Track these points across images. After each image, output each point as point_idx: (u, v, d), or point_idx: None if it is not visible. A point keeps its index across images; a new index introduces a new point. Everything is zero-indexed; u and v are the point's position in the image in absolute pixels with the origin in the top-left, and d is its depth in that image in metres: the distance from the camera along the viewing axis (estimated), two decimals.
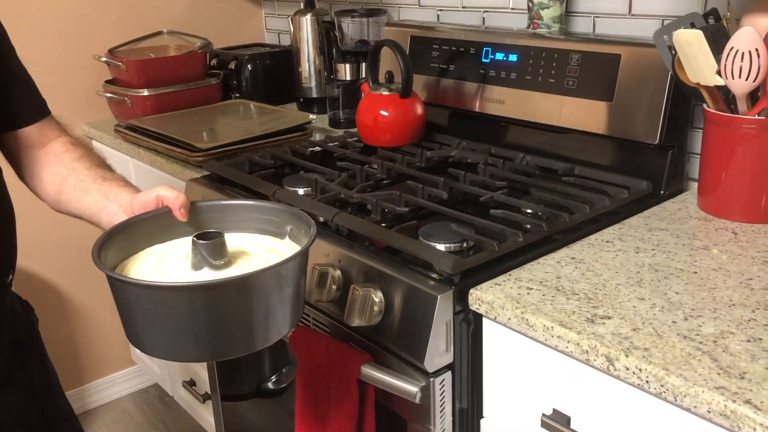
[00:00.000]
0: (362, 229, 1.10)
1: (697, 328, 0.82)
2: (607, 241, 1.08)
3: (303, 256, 0.79)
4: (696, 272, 0.96)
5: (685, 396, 0.72)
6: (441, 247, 1.03)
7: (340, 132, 1.73)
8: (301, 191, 1.28)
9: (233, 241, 0.87)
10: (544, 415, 0.90)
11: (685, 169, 1.29)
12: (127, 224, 0.88)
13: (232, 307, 0.73)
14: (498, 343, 0.96)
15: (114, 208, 0.92)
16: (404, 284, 0.97)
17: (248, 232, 0.92)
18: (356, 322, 1.00)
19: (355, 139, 1.60)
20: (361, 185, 1.28)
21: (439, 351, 0.96)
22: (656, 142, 1.20)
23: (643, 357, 0.77)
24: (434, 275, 0.98)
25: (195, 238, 0.80)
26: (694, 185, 1.27)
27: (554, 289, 0.93)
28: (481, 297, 0.94)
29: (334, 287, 1.06)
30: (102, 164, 1.02)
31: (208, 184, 1.42)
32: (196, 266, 0.81)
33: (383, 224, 1.12)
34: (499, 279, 0.97)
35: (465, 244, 1.04)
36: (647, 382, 0.76)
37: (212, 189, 1.38)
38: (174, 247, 0.89)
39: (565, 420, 0.89)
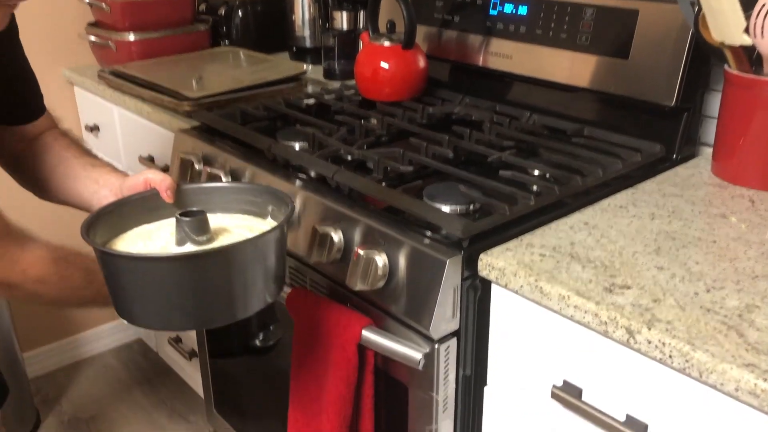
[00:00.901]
0: (365, 188, 1.04)
1: (720, 300, 0.78)
2: (621, 207, 1.03)
3: (280, 229, 0.83)
4: (715, 241, 0.92)
5: (711, 372, 0.69)
6: (447, 209, 0.98)
7: (335, 84, 1.65)
8: (297, 146, 1.22)
9: (216, 220, 0.91)
10: (554, 386, 0.86)
11: (698, 134, 1.24)
12: (116, 205, 0.91)
13: (213, 277, 0.78)
14: (507, 311, 0.92)
15: (105, 192, 0.97)
16: (410, 248, 0.93)
17: (232, 212, 0.96)
18: (359, 286, 0.96)
19: (352, 92, 1.53)
20: (360, 141, 1.22)
21: (445, 317, 0.92)
22: (672, 104, 1.15)
23: (667, 330, 0.73)
24: (442, 239, 0.93)
25: (179, 216, 0.85)
26: (707, 150, 1.22)
27: (568, 256, 0.89)
28: (491, 263, 0.89)
29: (335, 249, 1.01)
30: (89, 152, 1.05)
31: (198, 135, 1.35)
32: (180, 242, 0.85)
33: (385, 183, 1.07)
34: (510, 244, 0.92)
35: (472, 207, 0.99)
36: (670, 356, 0.72)
37: (203, 141, 1.31)
38: (161, 227, 0.93)
39: (577, 392, 0.85)
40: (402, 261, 0.93)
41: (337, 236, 1.01)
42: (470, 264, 0.91)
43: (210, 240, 0.86)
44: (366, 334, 0.98)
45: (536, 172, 1.10)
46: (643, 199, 1.05)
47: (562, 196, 1.02)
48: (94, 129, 1.93)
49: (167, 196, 0.92)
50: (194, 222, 0.84)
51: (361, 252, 0.95)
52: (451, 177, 1.07)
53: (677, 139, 1.19)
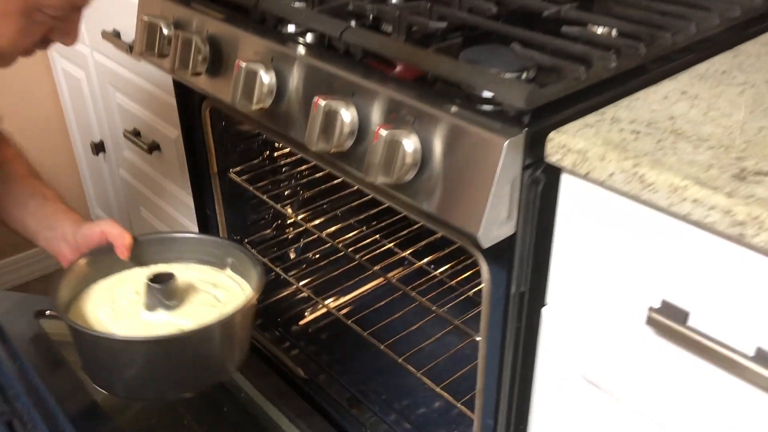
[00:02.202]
0: (384, 48, 0.78)
1: None
2: (724, 72, 0.78)
3: (253, 306, 0.88)
4: None
5: None
6: (500, 72, 0.72)
7: None
8: (297, 2, 0.95)
9: (177, 273, 0.90)
10: (651, 309, 0.64)
11: None
12: (76, 264, 0.92)
13: (192, 352, 0.84)
14: (583, 209, 0.68)
15: (60, 244, 0.95)
16: (450, 126, 0.68)
17: (189, 262, 0.98)
18: (380, 179, 0.71)
19: None
20: None
21: (498, 220, 0.68)
22: None
23: None
24: (495, 113, 0.68)
25: (150, 282, 0.87)
26: None
27: (671, 134, 0.65)
28: (566, 143, 0.65)
29: (345, 131, 0.76)
30: (34, 172, 1.00)
31: None
32: (150, 307, 0.88)
33: (411, 44, 0.81)
34: (589, 119, 0.68)
35: (526, 74, 0.74)
36: None
37: (174, 1, 1.03)
38: (120, 282, 0.94)
39: (682, 316, 0.63)
40: (438, 144, 0.69)
41: (348, 114, 0.76)
42: (534, 146, 0.67)
43: (179, 303, 0.89)
44: None
45: (602, 30, 0.84)
46: (749, 63, 0.80)
47: (650, 57, 0.76)
48: None
49: (124, 255, 0.92)
50: (165, 289, 0.87)
51: (383, 133, 0.70)
52: (497, 37, 0.81)
53: None
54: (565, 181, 0.68)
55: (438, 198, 0.70)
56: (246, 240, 1.34)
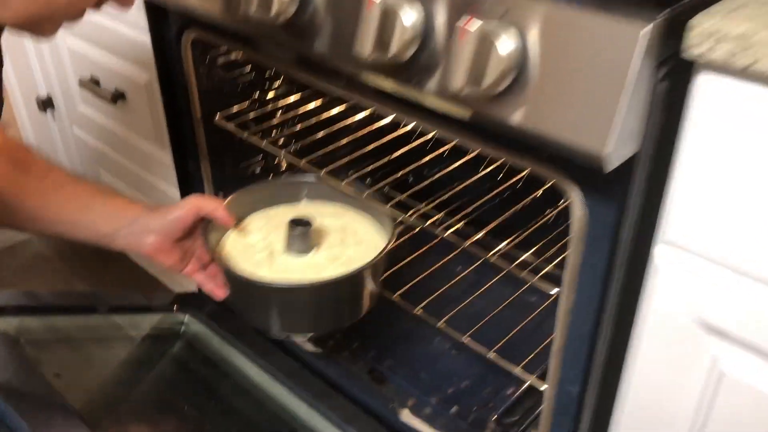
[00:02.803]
0: None
1: None
2: None
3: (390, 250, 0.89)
4: None
5: None
6: None
7: None
8: None
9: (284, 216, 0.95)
10: None
11: None
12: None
13: (344, 293, 0.90)
14: (725, 117, 0.54)
15: (133, 230, 0.84)
16: (558, 14, 0.52)
17: (272, 206, 1.00)
18: (459, 82, 0.55)
19: None
20: None
21: (625, 134, 0.53)
22: None
23: None
24: None
25: (291, 227, 0.91)
26: None
27: None
28: (719, 29, 0.50)
29: (406, 36, 0.59)
30: (71, 174, 0.84)
31: None
32: (294, 251, 0.92)
33: None
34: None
35: None
36: None
37: None
38: (248, 231, 0.96)
39: None
40: (540, 38, 0.53)
41: (412, 13, 0.59)
42: (670, 37, 0.52)
43: (315, 246, 0.93)
44: None
45: None
46: None
47: None
48: None
49: (230, 223, 0.90)
50: (306, 233, 0.91)
51: (472, 27, 0.54)
52: None
53: None
54: (705, 82, 0.54)
55: (542, 112, 0.55)
56: None
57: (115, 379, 1.08)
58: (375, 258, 0.87)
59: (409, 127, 1.17)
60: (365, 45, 0.60)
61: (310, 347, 1.09)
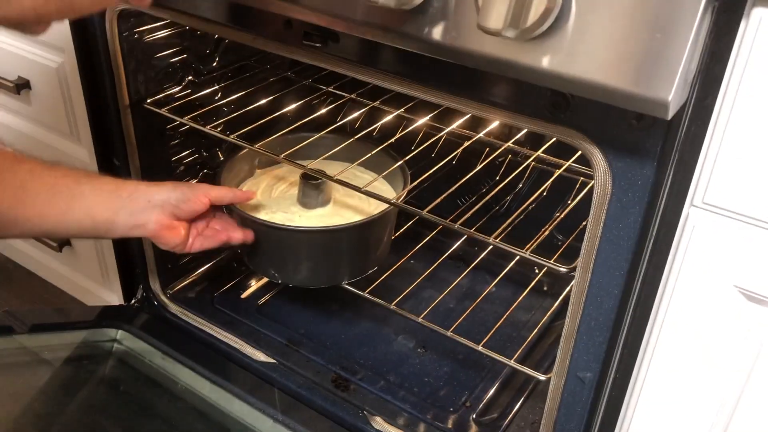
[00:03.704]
0: None
1: None
2: None
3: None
4: None
5: None
6: None
7: None
8: None
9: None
10: None
11: None
12: (224, 167, 0.97)
13: (358, 240, 0.93)
14: None
15: (135, 208, 0.77)
16: None
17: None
18: (494, 22, 0.48)
19: None
20: None
21: (687, 78, 0.48)
22: None
23: None
24: None
25: (304, 181, 0.94)
26: None
27: None
28: None
29: None
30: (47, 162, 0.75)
31: None
32: (306, 204, 0.95)
33: None
34: None
35: None
36: None
37: None
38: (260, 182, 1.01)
39: None
40: None
41: None
42: None
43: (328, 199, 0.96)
44: None
45: None
46: None
47: None
48: None
49: (249, 197, 0.90)
50: (319, 186, 0.93)
51: None
52: None
53: None
54: (761, 20, 0.49)
55: (591, 55, 0.48)
56: None
57: (33, 411, 0.93)
58: (397, 198, 0.91)
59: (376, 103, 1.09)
60: None
61: (261, 357, 0.98)
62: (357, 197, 0.96)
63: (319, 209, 0.94)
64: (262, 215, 0.91)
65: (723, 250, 0.57)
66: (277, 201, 0.97)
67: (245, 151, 0.98)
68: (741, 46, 0.50)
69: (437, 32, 0.53)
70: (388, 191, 0.99)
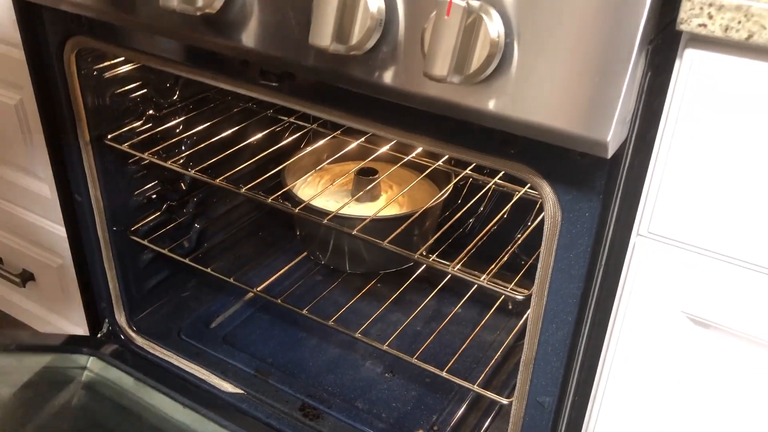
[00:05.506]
0: None
1: None
2: None
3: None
4: None
5: None
6: None
7: None
8: None
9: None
10: None
11: None
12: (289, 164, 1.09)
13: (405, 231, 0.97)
14: (715, 99, 0.51)
15: None
16: None
17: None
18: (438, 69, 0.49)
19: None
20: None
21: (624, 118, 0.50)
22: None
23: None
24: None
25: (359, 177, 1.05)
26: None
27: None
28: (713, 1, 0.47)
29: (369, 21, 0.53)
30: None
31: None
32: (360, 198, 1.04)
33: None
34: None
35: None
36: None
37: None
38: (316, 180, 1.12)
39: None
40: (533, 17, 0.49)
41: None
42: (664, 11, 0.49)
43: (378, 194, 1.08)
44: None
45: None
46: None
47: None
48: None
49: None
50: (372, 182, 1.04)
51: (459, 2, 0.48)
52: None
53: None
54: (693, 61, 0.51)
55: (531, 98, 0.50)
56: (132, 228, 1.03)
57: None
58: (439, 196, 1.01)
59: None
60: (323, 32, 0.53)
61: (229, 388, 0.99)
62: (402, 196, 1.09)
63: (375, 202, 1.06)
64: (320, 204, 1.02)
65: (669, 277, 0.59)
66: (333, 193, 1.07)
67: (308, 150, 1.11)
68: (677, 83, 0.52)
69: (387, 76, 0.54)
70: (424, 188, 1.11)
